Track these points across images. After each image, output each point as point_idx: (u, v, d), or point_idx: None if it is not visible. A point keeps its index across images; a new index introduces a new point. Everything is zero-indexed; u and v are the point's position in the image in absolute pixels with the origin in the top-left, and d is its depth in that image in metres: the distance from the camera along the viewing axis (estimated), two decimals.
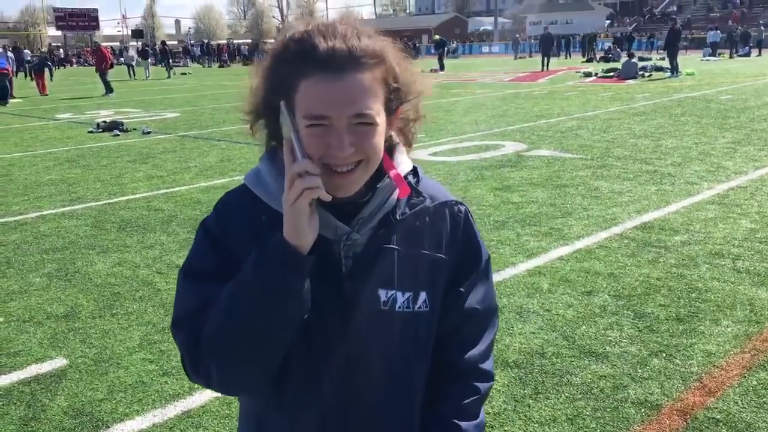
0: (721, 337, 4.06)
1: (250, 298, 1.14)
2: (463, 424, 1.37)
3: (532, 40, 54.32)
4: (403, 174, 1.28)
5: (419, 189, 1.32)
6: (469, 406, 1.39)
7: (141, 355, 4.08)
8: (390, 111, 1.22)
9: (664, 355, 3.86)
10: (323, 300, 1.23)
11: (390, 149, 1.29)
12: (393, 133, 1.29)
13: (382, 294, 1.28)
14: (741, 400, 3.38)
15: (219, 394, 3.59)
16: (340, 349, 1.27)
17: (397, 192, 1.27)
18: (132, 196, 8.25)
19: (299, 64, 1.14)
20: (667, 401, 3.40)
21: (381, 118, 1.18)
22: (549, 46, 33.86)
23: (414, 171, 1.33)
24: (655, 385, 3.55)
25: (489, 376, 1.43)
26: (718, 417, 3.25)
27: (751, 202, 7.04)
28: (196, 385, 3.69)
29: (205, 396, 3.60)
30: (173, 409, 3.50)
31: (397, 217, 1.28)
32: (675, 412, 3.30)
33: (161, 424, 3.37)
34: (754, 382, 3.54)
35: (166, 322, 4.52)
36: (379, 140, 1.19)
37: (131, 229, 6.80)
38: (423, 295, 1.32)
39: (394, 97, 1.22)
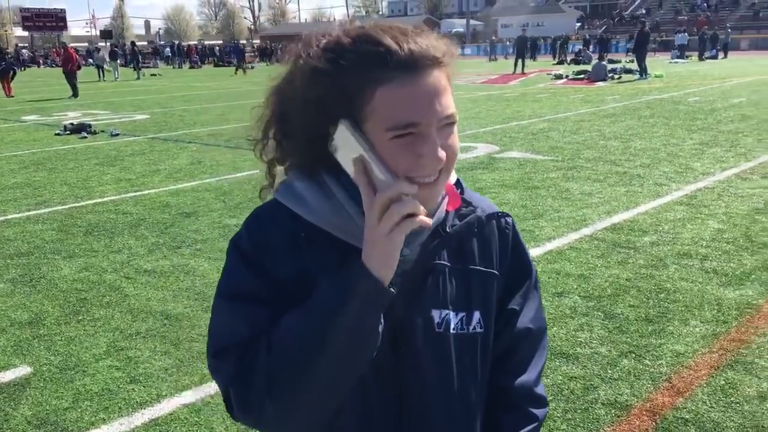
0: (690, 337, 4.10)
1: (333, 339, 1.02)
2: None
3: (507, 42, 54.59)
4: (451, 182, 1.19)
5: (465, 198, 1.24)
6: None
7: (107, 362, 4.00)
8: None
9: (633, 355, 3.88)
10: None
11: None
12: None
13: (436, 315, 1.17)
14: (709, 400, 3.41)
15: (187, 401, 3.54)
16: (393, 378, 1.16)
17: (445, 203, 1.18)
18: (99, 200, 8.12)
19: (372, 69, 1.01)
20: (637, 401, 3.42)
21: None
22: (524, 48, 34.05)
23: (458, 181, 1.25)
24: (624, 385, 3.57)
25: (544, 401, 1.32)
26: (687, 417, 3.27)
27: (718, 203, 7.14)
28: (164, 393, 3.63)
29: (173, 403, 3.54)
30: (140, 417, 3.43)
31: (448, 230, 1.19)
32: (644, 413, 3.32)
33: None
34: (722, 382, 3.57)
35: (134, 328, 4.44)
36: (457, 142, 1.11)
37: (98, 233, 6.69)
38: (477, 315, 1.22)
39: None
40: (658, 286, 4.90)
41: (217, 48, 63.60)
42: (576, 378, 3.64)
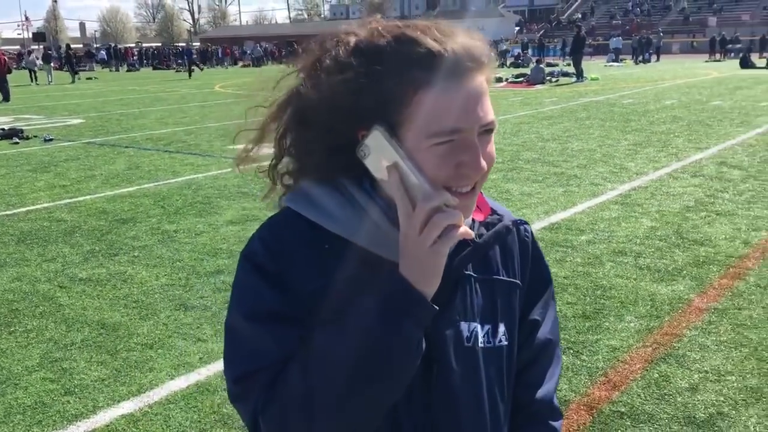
0: (625, 332, 4.22)
1: (377, 360, 0.96)
2: None
3: None
4: None
5: (491, 205, 1.19)
6: None
7: (41, 374, 3.87)
8: None
9: (571, 351, 3.97)
10: None
11: None
12: None
13: (465, 328, 1.12)
14: (643, 393, 3.52)
15: (125, 411, 3.46)
16: (423, 394, 1.10)
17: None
18: (32, 207, 7.86)
19: (413, 72, 0.95)
20: (575, 396, 3.50)
21: None
22: None
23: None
24: (563, 381, 3.64)
25: (560, 413, 1.30)
26: (623, 410, 3.36)
27: (651, 202, 7.36)
28: (100, 404, 3.54)
29: (109, 414, 3.45)
30: (76, 430, 3.34)
31: (476, 239, 1.12)
32: (582, 407, 3.40)
33: None
34: (656, 375, 3.69)
35: (69, 338, 4.32)
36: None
37: (31, 241, 6.47)
38: (502, 327, 1.17)
39: None
40: (594, 283, 5.02)
41: (155, 50, 62.32)
42: None
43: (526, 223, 1.26)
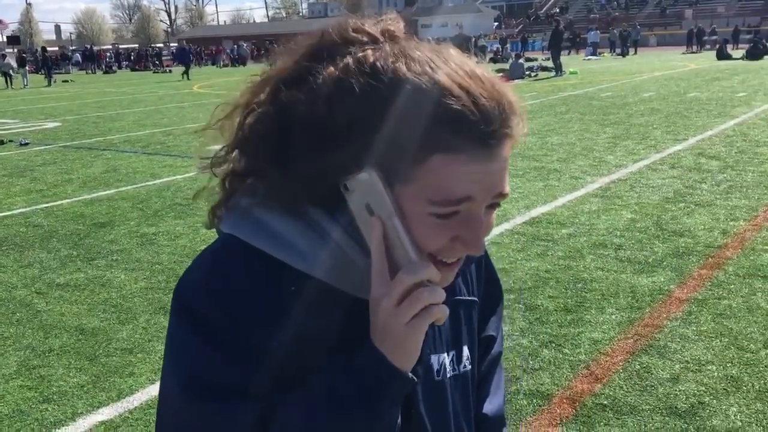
0: (606, 324, 4.23)
1: None
2: None
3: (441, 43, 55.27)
4: None
5: None
6: None
7: (18, 382, 3.81)
8: None
9: (553, 345, 3.97)
10: None
11: None
12: None
13: (435, 361, 1.02)
14: (625, 385, 3.52)
15: (105, 417, 3.41)
16: None
17: None
18: (8, 213, 7.75)
19: (438, 131, 0.78)
20: (558, 390, 3.50)
21: None
22: (466, 48, 33.88)
23: None
24: (546, 375, 3.65)
25: (506, 421, 1.26)
26: (605, 402, 3.37)
27: (630, 194, 7.40)
28: (79, 411, 3.50)
29: (89, 421, 3.40)
30: None
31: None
32: (565, 401, 3.40)
33: None
34: (637, 367, 3.70)
35: (47, 345, 4.25)
36: None
37: (7, 247, 6.37)
38: (466, 351, 1.08)
39: None
40: (575, 276, 5.03)
41: (133, 52, 61.78)
42: None
43: None
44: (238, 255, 0.87)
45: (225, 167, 0.93)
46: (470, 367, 1.09)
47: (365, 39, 0.86)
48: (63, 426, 3.38)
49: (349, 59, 0.83)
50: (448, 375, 1.04)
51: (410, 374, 0.86)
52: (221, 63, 57.21)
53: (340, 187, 0.84)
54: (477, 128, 0.79)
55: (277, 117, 0.85)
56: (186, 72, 35.36)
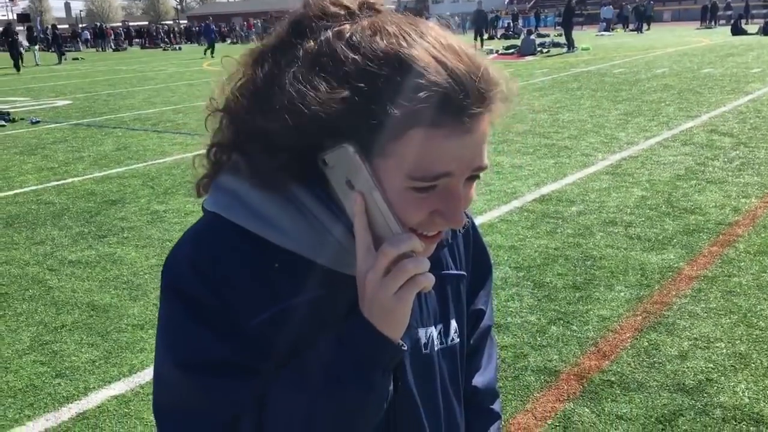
0: (615, 301, 4.22)
1: (348, 415, 0.86)
2: None
3: (456, 18, 54.69)
4: None
5: None
6: None
7: (31, 357, 3.86)
8: None
9: (561, 322, 3.98)
10: None
11: None
12: None
13: (422, 335, 1.03)
14: (633, 361, 3.53)
15: (116, 392, 3.46)
16: (388, 411, 0.98)
17: None
18: (20, 190, 7.80)
19: (416, 105, 0.78)
20: (565, 367, 3.51)
21: None
22: (482, 23, 31.71)
23: None
24: (553, 351, 3.65)
25: (498, 393, 1.28)
26: (612, 379, 3.38)
27: (642, 171, 7.35)
28: (91, 385, 3.55)
29: (101, 395, 3.45)
30: (67, 412, 3.33)
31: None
32: (572, 377, 3.41)
33: (55, 428, 3.21)
34: (645, 343, 3.70)
35: (59, 321, 4.30)
36: None
37: (19, 224, 6.43)
38: (454, 324, 1.09)
39: None
40: (584, 254, 5.02)
41: (145, 29, 61.64)
42: (507, 347, 3.71)
43: None
44: (222, 234, 0.88)
45: (211, 139, 0.94)
46: (458, 340, 1.10)
47: (343, 13, 0.85)
48: (75, 400, 3.43)
49: (327, 33, 0.82)
50: (436, 348, 1.06)
51: (401, 342, 0.87)
52: (240, 39, 56.79)
53: (319, 162, 0.84)
54: (453, 102, 0.78)
55: (257, 91, 0.85)
56: (211, 48, 34.89)
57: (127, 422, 3.21)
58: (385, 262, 0.82)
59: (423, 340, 1.03)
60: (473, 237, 1.18)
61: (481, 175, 0.87)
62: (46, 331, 4.18)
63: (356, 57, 0.79)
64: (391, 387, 0.90)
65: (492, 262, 1.26)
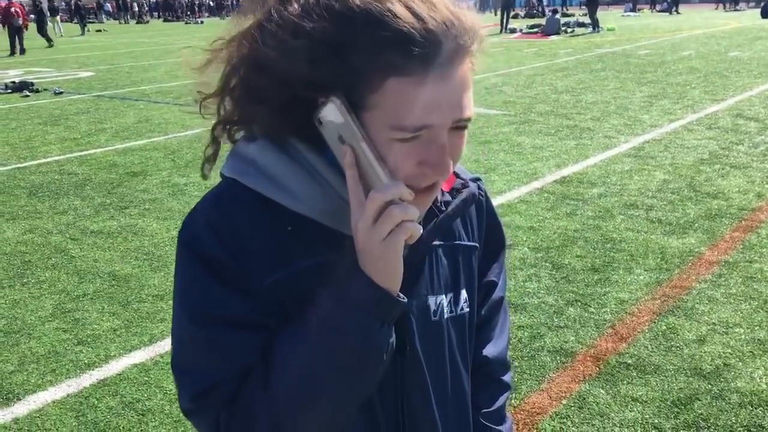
0: (634, 284, 4.21)
1: (344, 366, 0.88)
2: (504, 428, 1.25)
3: None
4: None
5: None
6: (503, 407, 1.26)
7: (54, 325, 3.93)
8: None
9: (579, 304, 3.97)
10: None
11: None
12: None
13: (432, 302, 1.05)
14: (650, 345, 3.52)
15: (136, 361, 3.51)
16: (395, 376, 1.02)
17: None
18: (43, 160, 7.89)
19: (388, 54, 0.80)
20: (581, 348, 3.51)
21: None
22: (510, 3, 30.39)
23: None
24: (570, 333, 3.65)
25: (509, 366, 1.29)
26: (629, 361, 3.37)
27: (665, 154, 7.27)
28: (112, 353, 3.60)
29: (121, 363, 3.51)
30: (89, 378, 3.40)
31: (442, 208, 1.02)
32: (589, 359, 3.41)
33: (76, 394, 3.27)
34: (663, 327, 3.69)
35: (81, 289, 4.37)
36: None
37: (42, 194, 6.51)
38: (464, 294, 1.10)
39: None
40: (604, 236, 5.00)
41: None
42: (523, 327, 3.72)
43: (479, 179, 1.14)
44: (238, 198, 0.92)
45: (217, 116, 0.97)
46: (468, 310, 1.12)
47: None
48: (96, 367, 3.49)
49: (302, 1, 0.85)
50: (445, 316, 1.07)
51: (399, 294, 0.88)
52: None
53: (315, 122, 0.87)
54: (425, 50, 0.80)
55: (254, 60, 0.88)
56: None
57: (146, 390, 3.26)
58: (373, 208, 0.84)
59: (433, 308, 1.05)
60: (486, 209, 1.19)
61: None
62: (68, 299, 4.24)
63: (333, 12, 0.82)
64: (393, 340, 0.91)
65: (506, 234, 1.26)
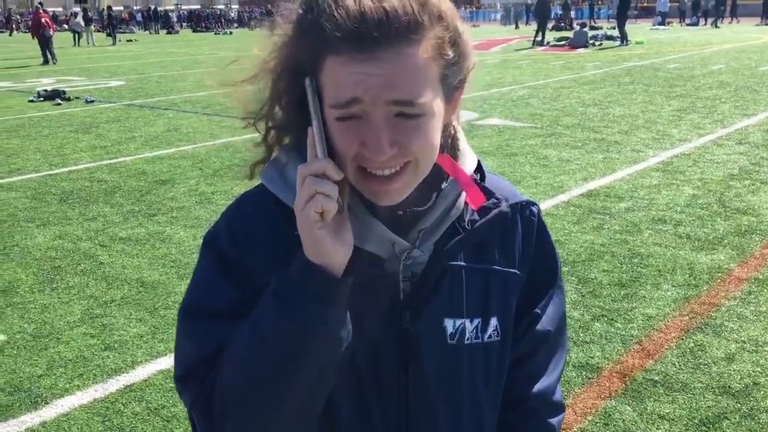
0: (661, 300, 4.16)
1: (270, 337, 0.89)
2: None
3: (500, 7, 53.76)
4: (469, 173, 1.03)
5: (488, 188, 1.06)
6: None
7: (82, 330, 3.99)
8: (450, 93, 0.94)
9: (605, 319, 3.93)
10: (377, 335, 0.99)
11: (447, 139, 1.02)
12: (455, 122, 1.03)
13: (449, 325, 1.02)
14: (678, 362, 3.47)
15: (163, 367, 3.54)
16: (399, 395, 1.02)
17: (463, 196, 1.02)
18: (74, 167, 8.02)
19: (325, 34, 0.86)
20: (608, 364, 3.47)
21: (436, 106, 0.90)
22: (546, 14, 29.65)
23: (479, 166, 1.07)
24: (596, 348, 3.62)
25: (561, 407, 1.20)
26: (656, 378, 3.33)
27: (693, 169, 7.19)
28: (138, 359, 3.64)
29: (148, 369, 3.54)
30: (115, 384, 3.43)
31: (467, 227, 1.02)
32: (615, 374, 3.38)
33: (102, 399, 3.31)
34: (691, 344, 3.64)
35: (109, 296, 4.43)
36: (433, 136, 0.91)
37: (73, 200, 6.61)
38: (494, 322, 1.06)
39: (454, 73, 0.93)
40: (631, 251, 4.95)
41: (195, 12, 62.37)
42: None
43: (532, 204, 1.12)
44: (260, 201, 0.99)
45: (264, 125, 1.03)
46: (499, 338, 1.07)
47: None
48: (123, 373, 3.53)
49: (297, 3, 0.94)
50: (467, 341, 1.04)
51: (330, 269, 0.88)
52: None
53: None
54: (354, 30, 0.84)
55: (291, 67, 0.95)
56: None
57: (172, 396, 3.29)
58: (299, 182, 0.87)
59: (450, 330, 1.02)
60: (538, 238, 1.13)
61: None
62: (96, 305, 4.30)
63: (295, 6, 0.92)
64: (343, 323, 0.91)
65: (558, 263, 1.18)
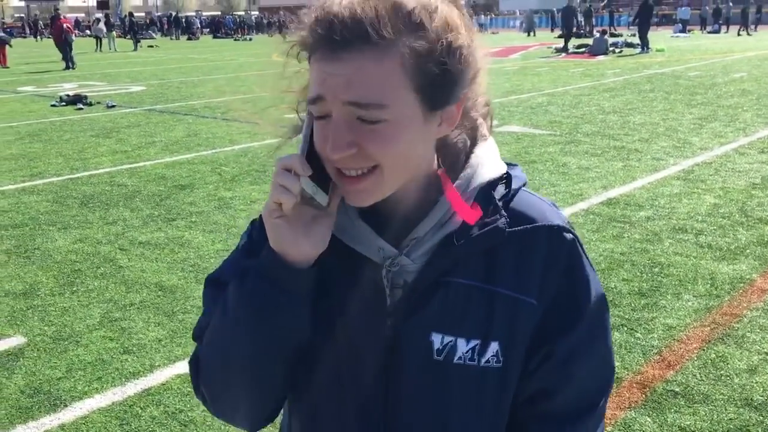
0: (682, 311, 4.11)
1: (229, 311, 0.98)
2: None
3: (517, 14, 53.63)
4: (477, 185, 0.99)
5: (498, 203, 0.99)
6: None
7: (101, 333, 4.01)
8: (437, 104, 0.92)
9: (625, 329, 3.89)
10: (360, 340, 1.00)
11: (455, 152, 1.02)
12: (463, 135, 1.03)
13: (437, 340, 0.98)
14: (699, 373, 3.43)
15: (180, 371, 3.56)
16: (379, 407, 1.01)
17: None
18: (95, 171, 8.09)
19: (307, 35, 0.92)
20: (627, 374, 3.43)
21: (407, 116, 0.89)
22: (572, 20, 29.42)
23: (506, 179, 1.03)
24: (616, 358, 3.56)
25: None
26: (677, 389, 3.29)
27: (715, 178, 7.12)
28: (157, 363, 3.66)
29: (166, 373, 3.56)
30: (133, 387, 3.45)
31: (456, 240, 0.97)
32: (635, 385, 3.34)
33: (121, 402, 3.32)
34: (713, 355, 3.59)
35: (128, 299, 4.45)
36: (402, 145, 0.90)
37: (93, 204, 6.67)
38: (494, 346, 0.99)
39: (444, 85, 0.91)
40: (652, 260, 4.90)
41: (218, 18, 62.84)
42: None
43: (565, 230, 1.02)
44: None
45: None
46: (499, 365, 1.00)
47: None
48: (141, 376, 3.54)
49: None
50: (456, 360, 0.99)
51: (289, 258, 0.94)
52: None
53: None
54: (323, 33, 0.88)
55: None
56: None
57: (189, 400, 3.30)
58: (274, 172, 0.93)
59: (437, 346, 0.98)
60: (568, 261, 1.02)
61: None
62: (115, 309, 4.33)
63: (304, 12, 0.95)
64: (295, 310, 0.97)
65: (595, 297, 1.02)
